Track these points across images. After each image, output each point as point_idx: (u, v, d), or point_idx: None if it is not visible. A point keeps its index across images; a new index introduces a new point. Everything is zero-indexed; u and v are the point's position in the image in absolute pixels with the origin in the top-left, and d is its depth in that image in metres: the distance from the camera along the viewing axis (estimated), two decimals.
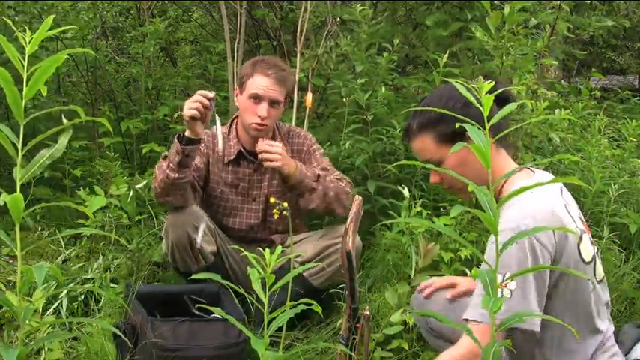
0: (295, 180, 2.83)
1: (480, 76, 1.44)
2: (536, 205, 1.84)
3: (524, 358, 1.96)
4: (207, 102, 2.66)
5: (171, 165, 2.72)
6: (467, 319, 1.84)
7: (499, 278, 1.67)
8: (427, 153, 2.05)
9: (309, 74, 3.97)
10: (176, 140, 2.71)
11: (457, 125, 1.34)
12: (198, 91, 2.68)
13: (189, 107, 2.65)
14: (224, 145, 2.95)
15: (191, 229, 2.84)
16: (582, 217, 2.05)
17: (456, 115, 1.44)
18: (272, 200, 2.58)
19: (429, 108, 1.74)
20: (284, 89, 2.94)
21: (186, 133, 2.71)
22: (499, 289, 1.66)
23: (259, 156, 2.80)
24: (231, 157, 3.03)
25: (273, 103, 2.91)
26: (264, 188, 3.08)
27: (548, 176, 2.04)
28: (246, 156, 3.04)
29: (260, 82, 2.89)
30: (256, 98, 2.89)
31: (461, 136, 1.79)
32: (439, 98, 2.01)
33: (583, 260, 1.90)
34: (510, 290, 1.77)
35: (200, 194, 3.03)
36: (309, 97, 3.66)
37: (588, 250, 1.94)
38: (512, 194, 1.29)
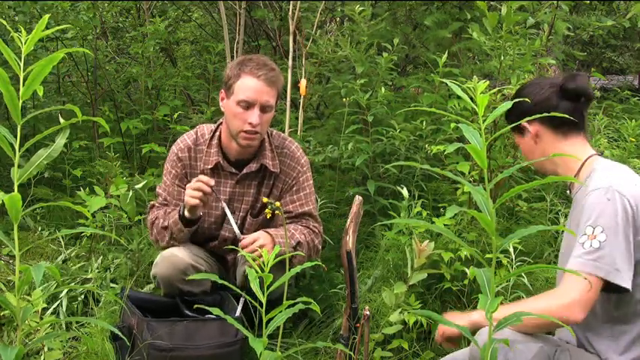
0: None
1: (475, 77, 1.48)
2: (623, 175, 2.00)
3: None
4: (208, 189, 2.57)
5: (174, 236, 2.71)
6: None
7: (588, 230, 1.88)
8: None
9: (303, 60, 3.93)
10: (179, 221, 2.67)
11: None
12: (200, 177, 2.59)
13: (192, 196, 2.57)
14: (239, 229, 2.76)
15: (181, 283, 2.70)
16: None
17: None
18: (265, 199, 2.54)
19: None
20: (275, 91, 2.67)
21: (187, 215, 2.65)
22: (588, 240, 1.86)
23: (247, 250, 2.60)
24: (209, 167, 2.76)
25: (265, 108, 2.64)
26: (245, 203, 2.81)
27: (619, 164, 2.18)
28: (225, 167, 2.77)
29: (250, 86, 2.61)
30: (246, 105, 2.62)
31: (522, 128, 2.14)
32: (519, 93, 2.22)
33: None
34: (599, 242, 1.87)
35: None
36: (302, 84, 3.61)
37: None
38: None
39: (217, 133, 2.79)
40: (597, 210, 1.90)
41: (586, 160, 2.08)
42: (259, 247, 2.57)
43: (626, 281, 1.87)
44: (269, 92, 2.64)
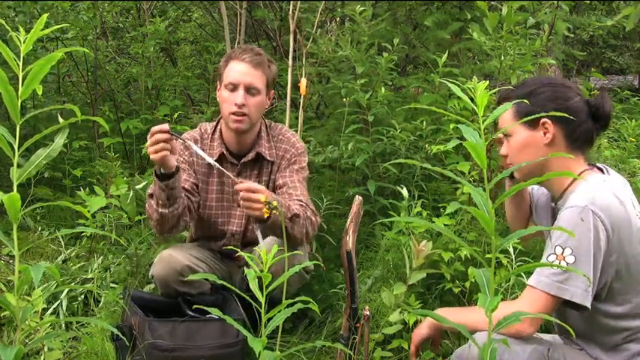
0: (270, 221, 2.53)
1: (475, 77, 1.48)
2: (606, 192, 1.95)
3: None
4: (166, 135, 2.45)
5: (160, 202, 2.59)
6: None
7: (558, 250, 1.88)
8: (503, 122, 2.13)
9: (303, 59, 3.93)
10: (155, 178, 2.56)
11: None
12: (152, 129, 2.48)
13: (155, 150, 2.45)
14: (203, 152, 2.68)
15: (177, 284, 2.70)
16: None
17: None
18: (263, 199, 2.48)
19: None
20: (262, 74, 2.72)
21: (162, 170, 2.54)
22: (557, 261, 1.87)
23: (239, 197, 2.46)
24: (214, 159, 2.76)
25: (250, 89, 2.69)
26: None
27: (619, 176, 2.12)
28: (228, 158, 2.84)
29: (234, 68, 2.71)
30: (232, 87, 2.70)
31: (537, 121, 2.00)
32: (540, 82, 2.12)
33: None
34: (567, 264, 1.88)
35: (195, 214, 2.83)
36: (302, 83, 3.61)
37: None
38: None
39: (218, 128, 2.87)
40: (569, 229, 1.87)
41: (579, 175, 2.04)
42: (254, 195, 2.44)
43: (589, 301, 1.89)
44: (254, 74, 2.70)
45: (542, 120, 2.02)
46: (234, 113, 2.70)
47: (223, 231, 2.89)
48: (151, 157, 2.48)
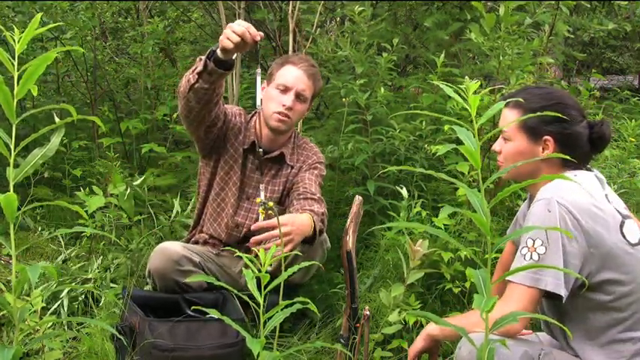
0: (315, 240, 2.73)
1: (467, 77, 1.48)
2: (572, 184, 1.98)
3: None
4: (250, 40, 2.44)
5: (200, 69, 2.58)
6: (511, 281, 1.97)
7: (529, 242, 1.93)
8: (505, 123, 2.18)
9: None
10: (207, 59, 2.55)
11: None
12: (247, 25, 2.44)
13: (228, 37, 2.43)
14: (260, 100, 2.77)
15: (175, 274, 2.72)
16: (626, 208, 2.15)
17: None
18: (258, 200, 2.58)
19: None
20: (312, 86, 2.87)
21: (220, 55, 2.53)
22: (528, 253, 1.91)
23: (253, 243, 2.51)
24: (245, 146, 2.91)
25: (299, 96, 2.83)
26: (262, 189, 2.92)
27: (591, 173, 2.14)
28: (256, 150, 2.90)
29: (289, 73, 2.83)
30: (284, 88, 2.82)
31: (539, 133, 2.07)
32: (552, 98, 2.14)
33: (629, 242, 2.00)
34: (539, 254, 1.92)
35: (221, 115, 2.83)
36: None
37: (634, 233, 2.04)
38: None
39: (253, 119, 2.95)
40: (538, 222, 1.93)
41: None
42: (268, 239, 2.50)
43: (563, 289, 1.91)
44: (306, 83, 2.84)
45: (545, 137, 2.09)
46: (279, 113, 2.82)
47: (227, 223, 2.92)
48: (222, 39, 2.47)
